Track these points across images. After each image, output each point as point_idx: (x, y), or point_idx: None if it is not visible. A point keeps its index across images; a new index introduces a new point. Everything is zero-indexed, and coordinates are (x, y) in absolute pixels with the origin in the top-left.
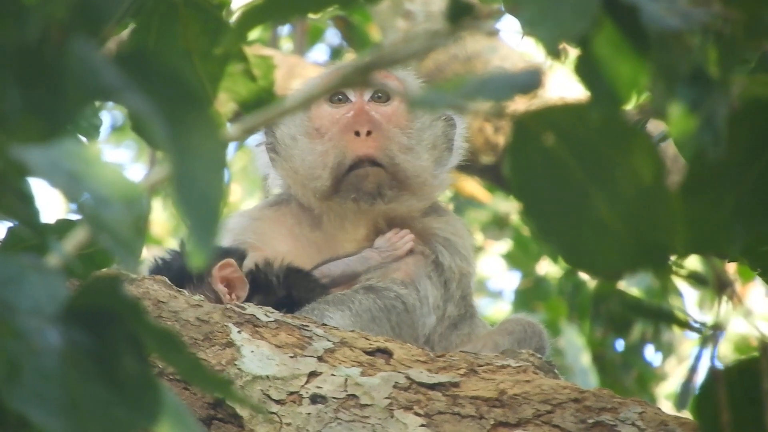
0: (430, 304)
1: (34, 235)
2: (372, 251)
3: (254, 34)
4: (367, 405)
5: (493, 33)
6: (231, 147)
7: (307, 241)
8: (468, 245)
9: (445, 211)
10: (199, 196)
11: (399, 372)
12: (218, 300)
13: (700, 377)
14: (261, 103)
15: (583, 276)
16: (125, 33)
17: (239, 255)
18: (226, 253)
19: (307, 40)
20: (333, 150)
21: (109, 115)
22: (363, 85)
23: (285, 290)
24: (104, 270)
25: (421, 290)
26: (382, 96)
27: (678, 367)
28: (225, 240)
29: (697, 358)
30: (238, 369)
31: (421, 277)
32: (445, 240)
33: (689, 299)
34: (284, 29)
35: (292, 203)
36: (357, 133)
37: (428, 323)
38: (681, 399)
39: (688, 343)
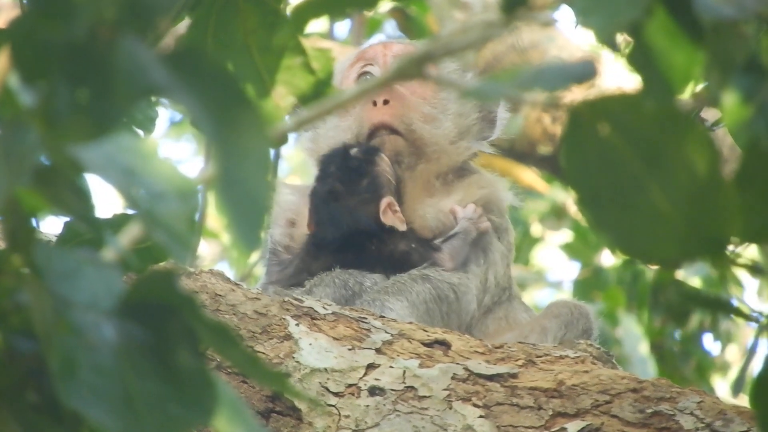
0: (473, 291)
1: (90, 230)
2: (467, 222)
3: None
4: (425, 397)
5: (549, 23)
6: (291, 140)
7: None
8: (503, 220)
9: (476, 174)
10: (244, 195)
11: (457, 363)
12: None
13: (757, 366)
14: (320, 95)
15: (642, 266)
16: (183, 27)
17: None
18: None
19: (364, 31)
20: (354, 123)
21: (168, 110)
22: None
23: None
24: (161, 264)
25: (470, 276)
26: None
27: (741, 357)
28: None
29: (754, 346)
30: (297, 362)
31: (470, 262)
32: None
33: (750, 289)
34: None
35: None
36: (375, 104)
37: (470, 310)
38: (736, 386)
39: (751, 332)
